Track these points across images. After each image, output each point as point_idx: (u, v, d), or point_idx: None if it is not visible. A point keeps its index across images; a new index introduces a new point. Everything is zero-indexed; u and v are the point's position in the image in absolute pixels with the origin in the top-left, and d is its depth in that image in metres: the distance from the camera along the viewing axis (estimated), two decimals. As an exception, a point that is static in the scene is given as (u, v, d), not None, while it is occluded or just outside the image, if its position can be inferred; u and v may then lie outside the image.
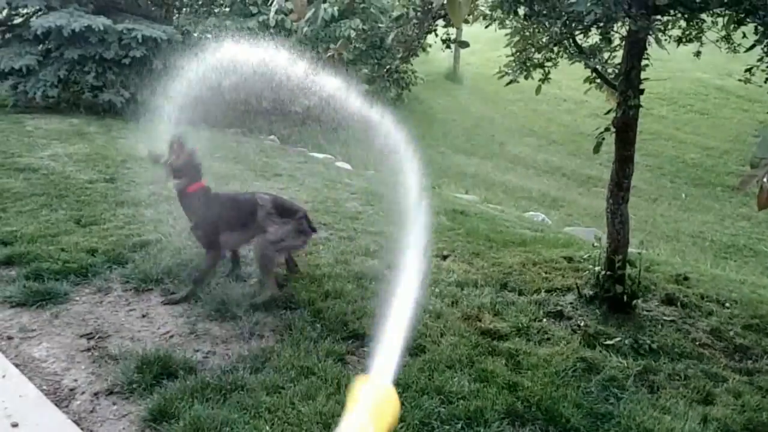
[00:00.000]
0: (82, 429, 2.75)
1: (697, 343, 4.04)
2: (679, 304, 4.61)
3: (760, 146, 2.04)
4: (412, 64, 13.27)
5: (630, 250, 4.56)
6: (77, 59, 10.73)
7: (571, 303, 4.42)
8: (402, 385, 3.19)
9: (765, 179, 1.91)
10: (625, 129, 4.22)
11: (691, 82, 16.42)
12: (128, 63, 10.87)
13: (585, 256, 5.16)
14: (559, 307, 4.33)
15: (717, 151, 13.40)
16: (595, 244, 4.71)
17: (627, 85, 4.07)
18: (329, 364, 3.32)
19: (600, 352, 3.73)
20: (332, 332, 3.69)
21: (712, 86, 16.41)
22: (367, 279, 4.50)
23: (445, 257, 5.25)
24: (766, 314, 4.62)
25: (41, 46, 11.09)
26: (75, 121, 10.01)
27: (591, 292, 4.43)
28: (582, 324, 4.09)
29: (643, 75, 4.16)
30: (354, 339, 3.67)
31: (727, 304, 4.76)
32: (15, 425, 2.73)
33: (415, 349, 3.60)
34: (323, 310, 3.92)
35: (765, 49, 3.88)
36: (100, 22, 10.44)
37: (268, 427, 2.76)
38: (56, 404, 2.91)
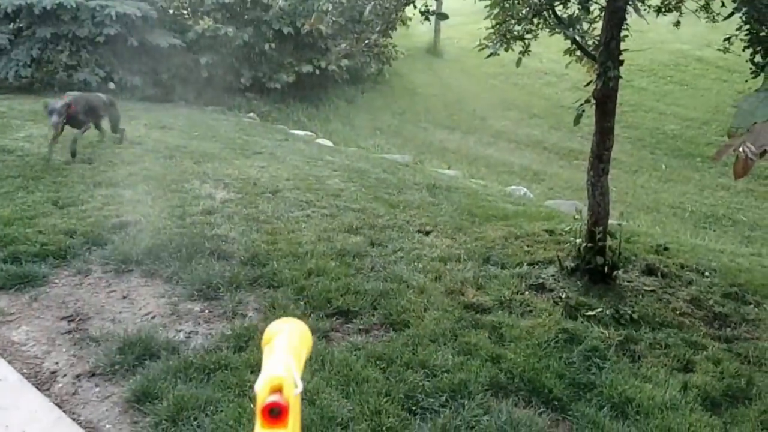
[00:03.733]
0: (64, 411, 2.73)
1: (678, 312, 4.10)
2: (659, 274, 4.66)
3: (737, 116, 2.04)
4: (392, 38, 13.12)
5: (610, 221, 4.59)
6: (50, 38, 10.49)
7: (552, 275, 4.45)
8: (386, 359, 3.21)
9: (741, 149, 1.91)
10: (604, 100, 4.22)
11: (671, 54, 16.45)
12: (102, 41, 10.64)
13: (566, 229, 5.18)
14: (540, 280, 4.36)
15: (697, 121, 13.47)
16: (576, 216, 4.74)
17: (607, 56, 4.05)
18: (313, 341, 3.32)
19: (581, 323, 3.77)
20: (316, 309, 3.68)
21: (692, 57, 16.45)
22: (350, 256, 4.50)
23: (427, 233, 5.25)
24: (745, 282, 4.69)
25: (12, 24, 10.82)
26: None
27: (572, 264, 4.46)
28: (563, 296, 4.13)
29: (622, 46, 4.15)
30: (338, 316, 3.67)
31: (707, 273, 4.82)
32: (-4, 409, 2.70)
33: (398, 324, 3.61)
34: (306, 287, 3.91)
35: (743, 18, 3.89)
36: (72, -1, 10.20)
37: (252, 405, 2.76)
38: (37, 387, 2.89)
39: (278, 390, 0.72)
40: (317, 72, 12.49)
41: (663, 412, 2.95)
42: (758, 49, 3.98)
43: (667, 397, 3.07)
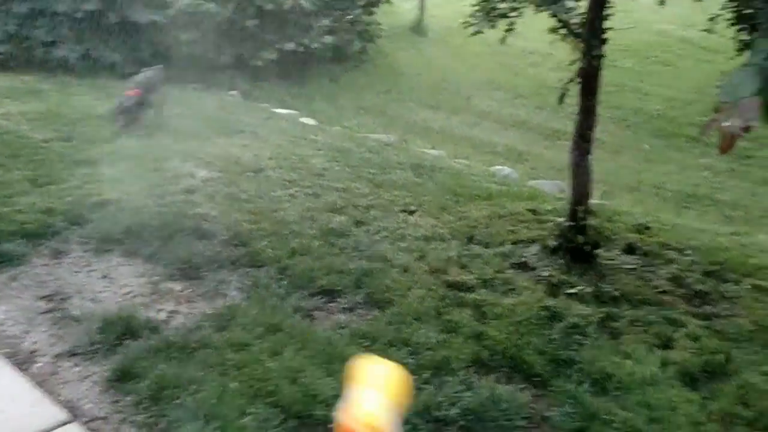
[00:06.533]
0: (44, 391, 2.71)
1: (658, 290, 4.13)
2: (640, 252, 4.69)
3: (724, 90, 2.03)
4: (376, 13, 12.94)
5: (592, 201, 4.60)
6: (27, 13, 10.24)
7: (535, 254, 4.46)
8: (370, 337, 3.21)
9: (727, 123, 1.91)
10: (588, 79, 4.21)
11: (655, 33, 16.44)
12: (81, 17, 10.41)
13: (549, 208, 5.20)
14: (523, 259, 4.38)
15: (680, 102, 13.51)
16: (559, 195, 4.74)
17: (591, 35, 4.04)
18: (296, 320, 3.32)
19: (563, 300, 3.80)
20: (299, 288, 3.67)
21: (675, 37, 16.46)
22: (333, 235, 4.48)
23: (411, 212, 5.23)
24: (725, 261, 4.74)
25: (-13, -1, 10.56)
26: (27, 78, 9.61)
27: (555, 243, 4.48)
28: (546, 274, 4.15)
29: (607, 25, 4.14)
30: (321, 295, 3.67)
31: (687, 252, 4.85)
32: (-26, 390, 2.67)
33: (382, 302, 3.61)
34: (290, 266, 3.89)
35: (727, -4, 3.88)
36: (49, -27, 9.96)
37: (236, 384, 2.75)
38: (17, 367, 2.86)
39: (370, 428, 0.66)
40: (300, 49, 12.32)
41: (643, 388, 2.99)
42: (744, 26, 3.98)
43: (647, 373, 3.11)
